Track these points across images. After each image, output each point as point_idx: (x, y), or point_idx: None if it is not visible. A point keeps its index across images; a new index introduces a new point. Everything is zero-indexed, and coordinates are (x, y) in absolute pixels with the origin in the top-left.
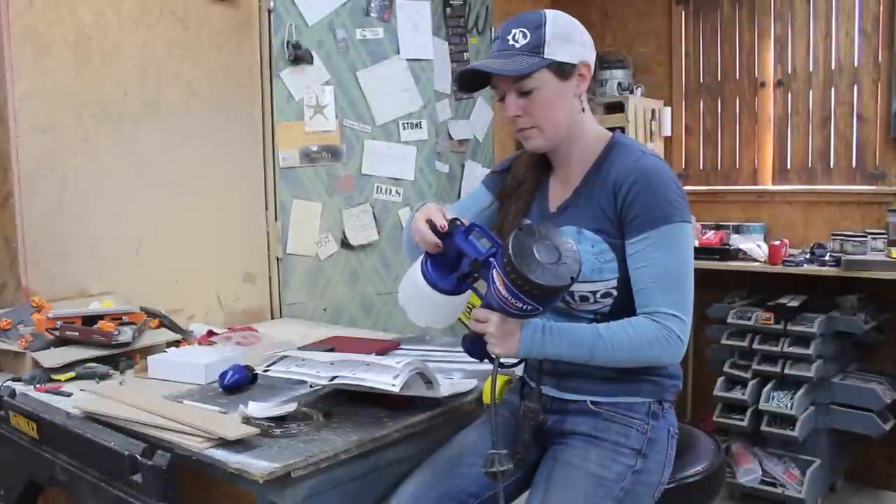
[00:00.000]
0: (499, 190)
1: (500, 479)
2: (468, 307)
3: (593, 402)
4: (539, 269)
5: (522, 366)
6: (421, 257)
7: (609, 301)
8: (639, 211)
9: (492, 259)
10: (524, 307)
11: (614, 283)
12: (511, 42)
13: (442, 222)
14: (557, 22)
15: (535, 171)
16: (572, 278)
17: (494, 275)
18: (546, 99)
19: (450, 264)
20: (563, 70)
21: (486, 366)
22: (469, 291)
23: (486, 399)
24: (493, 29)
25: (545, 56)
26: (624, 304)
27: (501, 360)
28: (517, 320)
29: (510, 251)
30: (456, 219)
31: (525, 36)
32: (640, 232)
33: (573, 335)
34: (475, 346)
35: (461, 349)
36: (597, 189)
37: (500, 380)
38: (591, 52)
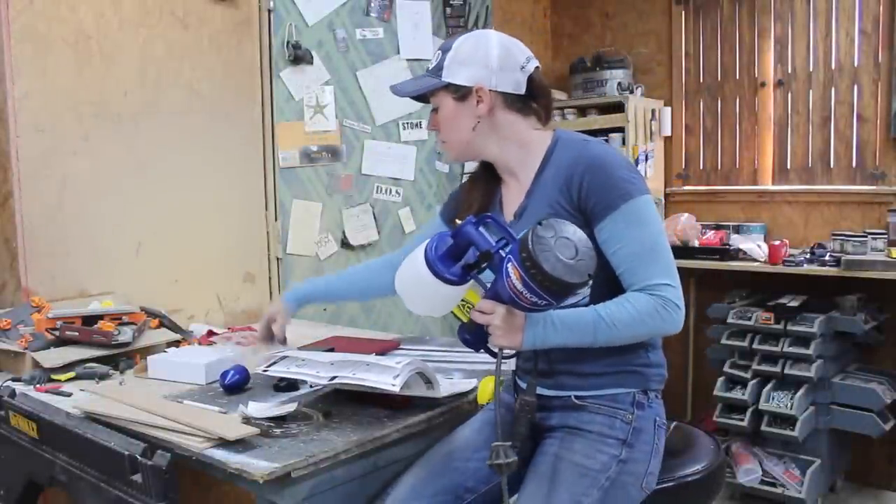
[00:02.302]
0: (451, 218)
1: (505, 471)
2: (461, 302)
3: (577, 397)
4: (559, 264)
5: (514, 361)
6: (424, 244)
7: (586, 291)
8: (597, 198)
9: (502, 251)
10: (538, 301)
11: None
12: (430, 63)
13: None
14: (465, 45)
15: (483, 187)
16: (590, 275)
17: (509, 268)
18: (445, 117)
19: (454, 253)
20: (459, 91)
21: (486, 366)
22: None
23: (481, 400)
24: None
25: (442, 78)
26: (601, 291)
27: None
28: (523, 313)
29: (530, 246)
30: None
31: (437, 57)
32: (604, 216)
33: (575, 321)
34: (474, 337)
35: (461, 349)
36: (548, 185)
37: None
38: (500, 75)
